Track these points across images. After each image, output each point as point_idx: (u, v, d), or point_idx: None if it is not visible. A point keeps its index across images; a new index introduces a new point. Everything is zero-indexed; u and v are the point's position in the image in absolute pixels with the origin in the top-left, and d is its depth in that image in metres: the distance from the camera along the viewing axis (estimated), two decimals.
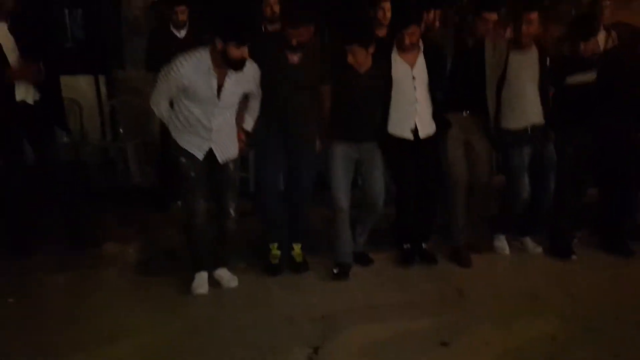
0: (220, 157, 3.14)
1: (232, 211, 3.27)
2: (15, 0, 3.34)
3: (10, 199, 3.63)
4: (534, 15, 3.49)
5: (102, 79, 5.81)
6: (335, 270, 3.51)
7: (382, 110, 3.44)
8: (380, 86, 3.40)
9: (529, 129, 3.56)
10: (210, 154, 3.11)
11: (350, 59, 3.27)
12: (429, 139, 3.49)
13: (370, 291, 3.34)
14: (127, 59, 6.13)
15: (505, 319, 2.93)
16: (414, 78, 3.39)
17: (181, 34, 4.57)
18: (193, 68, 2.92)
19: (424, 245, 3.69)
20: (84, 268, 3.57)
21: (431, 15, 4.21)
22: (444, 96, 3.50)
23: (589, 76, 3.56)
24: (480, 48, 3.49)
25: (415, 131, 3.44)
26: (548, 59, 3.57)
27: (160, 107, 3.09)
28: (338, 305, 3.13)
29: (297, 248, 3.57)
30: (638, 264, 3.65)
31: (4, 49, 3.32)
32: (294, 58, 3.24)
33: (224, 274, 3.36)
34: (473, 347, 2.66)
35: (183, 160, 3.10)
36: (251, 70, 3.07)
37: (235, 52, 2.88)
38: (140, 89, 5.40)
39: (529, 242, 3.87)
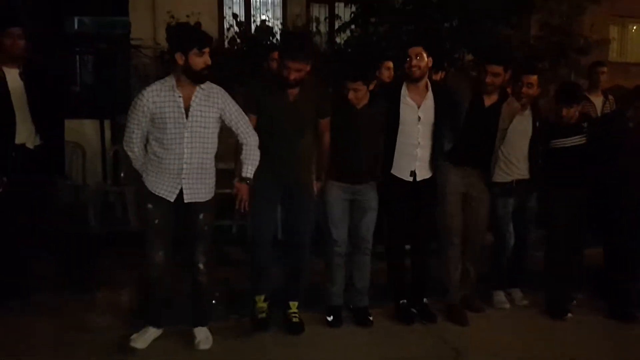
0: (188, 197, 3.05)
1: (201, 265, 3.17)
2: (27, 48, 3.43)
3: (4, 241, 3.60)
4: (534, 79, 3.63)
5: (107, 124, 5.91)
6: (329, 318, 3.47)
7: (385, 151, 3.50)
8: (378, 124, 3.45)
9: (514, 182, 3.72)
10: (180, 198, 3.04)
11: (351, 95, 3.34)
12: (426, 184, 3.54)
13: (365, 349, 3.29)
14: None
15: None
16: (419, 119, 3.45)
17: None
18: (156, 92, 2.96)
19: (425, 300, 3.66)
20: (78, 313, 3.53)
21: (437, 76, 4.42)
22: (451, 147, 3.55)
23: (574, 140, 3.70)
24: (496, 109, 3.55)
25: (413, 174, 3.50)
26: (537, 122, 3.73)
27: (133, 147, 3.05)
28: None
29: (293, 307, 3.47)
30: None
31: (12, 95, 3.40)
32: (293, 93, 3.26)
33: (198, 334, 3.19)
34: None
35: (150, 206, 3.06)
36: (217, 90, 3.09)
37: (197, 60, 2.92)
38: None
39: (517, 293, 3.91)
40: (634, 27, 10.53)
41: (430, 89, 3.51)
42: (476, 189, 3.64)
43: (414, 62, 3.40)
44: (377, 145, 3.53)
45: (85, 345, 3.17)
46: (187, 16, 6.51)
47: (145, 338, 3.14)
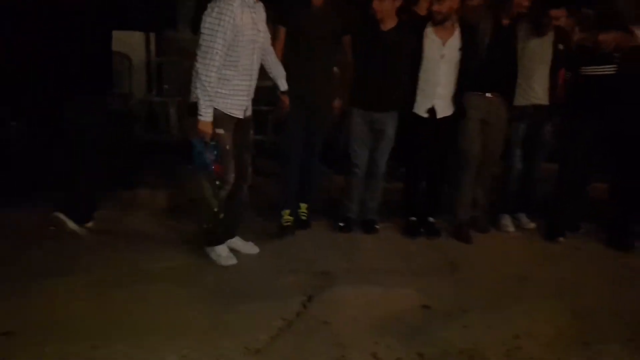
0: (248, 112, 3.19)
1: (248, 177, 3.33)
2: None
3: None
4: (560, 12, 3.65)
5: (152, 37, 6.16)
6: (341, 224, 3.82)
7: (410, 83, 3.59)
8: (403, 51, 3.52)
9: (530, 107, 3.76)
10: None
11: (375, 3, 3.40)
12: (445, 119, 3.66)
13: (371, 256, 3.60)
14: (180, 20, 6.47)
15: (491, 294, 3.11)
16: (442, 56, 3.52)
17: None
18: (239, 6, 2.91)
19: (430, 219, 3.90)
20: (117, 207, 3.99)
21: None
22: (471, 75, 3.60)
23: (605, 69, 3.63)
24: (512, 31, 3.61)
25: (432, 111, 3.62)
26: (562, 45, 3.71)
27: (214, 70, 2.90)
28: (339, 264, 3.41)
29: (303, 207, 3.87)
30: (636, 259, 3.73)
31: None
32: (317, 2, 3.37)
33: (240, 242, 3.46)
34: (451, 311, 2.88)
35: (222, 132, 3.05)
36: (260, 4, 3.11)
37: None
38: (187, 49, 5.77)
39: (523, 217, 4.08)
40: None
41: (458, 26, 3.54)
42: (495, 115, 3.72)
43: (436, 7, 3.44)
44: (401, 73, 3.58)
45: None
46: None
47: (225, 255, 3.30)
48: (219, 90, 3.00)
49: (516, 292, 3.16)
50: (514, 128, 3.83)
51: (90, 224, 3.68)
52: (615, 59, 3.65)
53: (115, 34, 4.49)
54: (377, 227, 3.89)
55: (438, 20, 3.48)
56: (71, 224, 3.58)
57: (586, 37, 3.66)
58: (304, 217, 3.88)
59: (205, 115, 2.98)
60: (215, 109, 3.00)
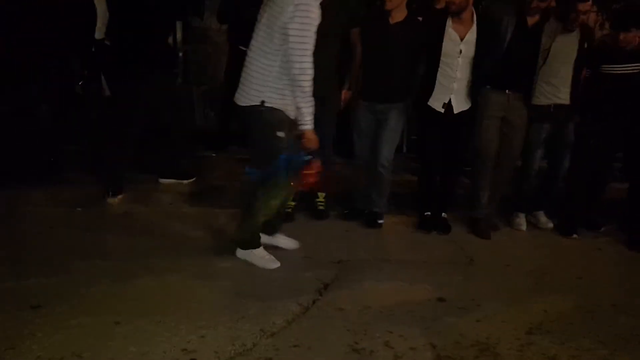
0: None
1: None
2: None
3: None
4: (588, 5, 3.58)
5: (179, 25, 6.23)
6: (346, 211, 3.88)
7: (422, 77, 3.60)
8: (411, 45, 3.52)
9: (552, 107, 3.72)
10: None
11: None
12: (461, 114, 3.65)
13: (387, 248, 3.65)
14: (206, 8, 6.54)
15: (508, 289, 3.13)
16: (460, 52, 3.52)
17: None
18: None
19: (443, 214, 3.91)
20: (141, 190, 4.09)
21: None
22: (491, 72, 3.57)
23: (626, 68, 3.62)
24: (539, 29, 3.58)
25: (449, 106, 3.61)
26: (586, 43, 3.67)
27: (310, 72, 2.79)
28: (356, 255, 3.46)
29: (321, 196, 3.91)
30: None
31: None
32: None
33: (282, 239, 3.39)
34: (465, 305, 2.91)
35: (282, 134, 2.95)
36: None
37: None
38: (213, 38, 5.84)
39: (541, 216, 4.06)
40: None
41: (475, 20, 3.51)
42: (515, 114, 3.71)
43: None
44: (408, 67, 3.59)
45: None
46: None
47: (267, 258, 3.17)
48: (285, 91, 2.86)
49: (532, 288, 3.17)
50: (536, 128, 3.80)
51: (120, 197, 3.88)
52: (634, 55, 3.62)
53: None
54: (380, 221, 3.86)
55: (453, 11, 3.46)
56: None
57: (608, 35, 3.64)
58: (321, 207, 3.91)
59: (311, 123, 2.88)
60: (284, 112, 2.89)
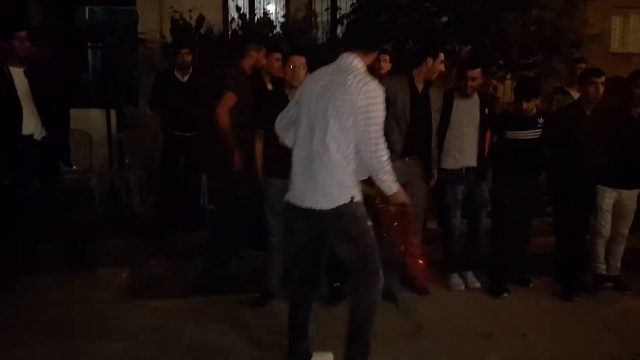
0: None
1: None
2: (29, 47, 3.74)
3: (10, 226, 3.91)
4: (477, 72, 3.91)
5: (113, 113, 6.25)
6: (257, 294, 3.71)
7: None
8: None
9: (463, 169, 3.93)
10: None
11: (288, 67, 3.51)
12: None
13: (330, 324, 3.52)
14: (141, 95, 6.62)
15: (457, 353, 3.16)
16: None
17: (184, 78, 4.97)
18: None
19: (335, 284, 3.72)
20: (77, 288, 3.89)
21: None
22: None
23: (528, 134, 3.94)
24: (426, 93, 3.75)
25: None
26: (487, 109, 3.95)
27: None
28: (315, 332, 3.27)
29: None
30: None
31: (19, 92, 3.73)
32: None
33: None
34: None
35: (370, 223, 2.73)
36: None
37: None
38: (148, 123, 5.86)
39: (470, 276, 4.11)
40: (636, 18, 10.54)
41: None
42: (413, 176, 3.75)
43: None
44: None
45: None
46: (190, 10, 6.83)
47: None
48: (356, 176, 2.68)
49: (480, 349, 3.21)
50: (452, 190, 3.94)
51: None
52: (538, 124, 3.95)
53: (75, 111, 4.61)
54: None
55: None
56: None
57: (510, 104, 3.94)
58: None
59: (396, 182, 2.68)
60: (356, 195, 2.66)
